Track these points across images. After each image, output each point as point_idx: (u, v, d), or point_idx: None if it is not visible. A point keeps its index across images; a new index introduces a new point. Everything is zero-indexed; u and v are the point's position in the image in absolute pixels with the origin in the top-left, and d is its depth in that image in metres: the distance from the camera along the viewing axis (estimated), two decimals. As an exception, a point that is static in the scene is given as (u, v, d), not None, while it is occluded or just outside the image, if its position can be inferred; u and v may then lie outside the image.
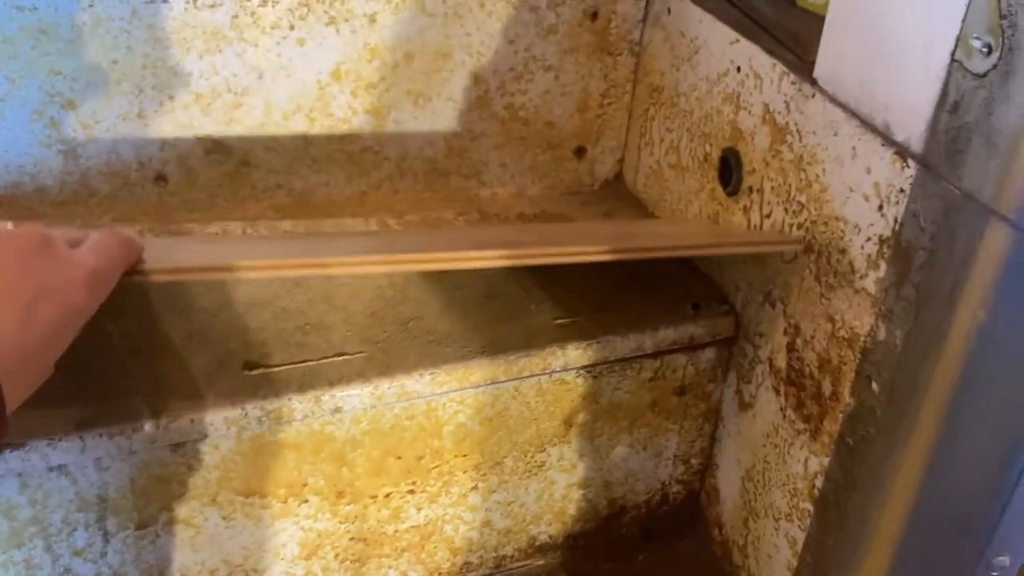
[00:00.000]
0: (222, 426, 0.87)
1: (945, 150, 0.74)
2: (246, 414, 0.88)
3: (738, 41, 1.03)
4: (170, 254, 0.91)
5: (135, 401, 0.86)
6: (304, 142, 1.21)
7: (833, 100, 0.86)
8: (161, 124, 1.14)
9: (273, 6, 1.11)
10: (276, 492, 0.95)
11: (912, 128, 0.77)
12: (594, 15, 1.23)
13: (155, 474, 0.88)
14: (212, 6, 1.09)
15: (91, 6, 1.05)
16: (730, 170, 1.04)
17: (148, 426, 0.84)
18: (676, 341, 1.05)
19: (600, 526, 1.17)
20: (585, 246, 0.90)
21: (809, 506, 0.95)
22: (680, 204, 1.19)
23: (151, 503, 0.89)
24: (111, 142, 1.13)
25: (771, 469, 1.02)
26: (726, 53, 1.05)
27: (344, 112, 1.21)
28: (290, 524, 0.98)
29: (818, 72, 0.89)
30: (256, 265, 0.83)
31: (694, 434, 1.15)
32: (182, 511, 0.91)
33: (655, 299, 1.09)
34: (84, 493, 0.86)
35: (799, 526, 0.97)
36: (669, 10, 1.18)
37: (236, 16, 1.10)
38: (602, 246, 0.90)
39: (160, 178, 1.18)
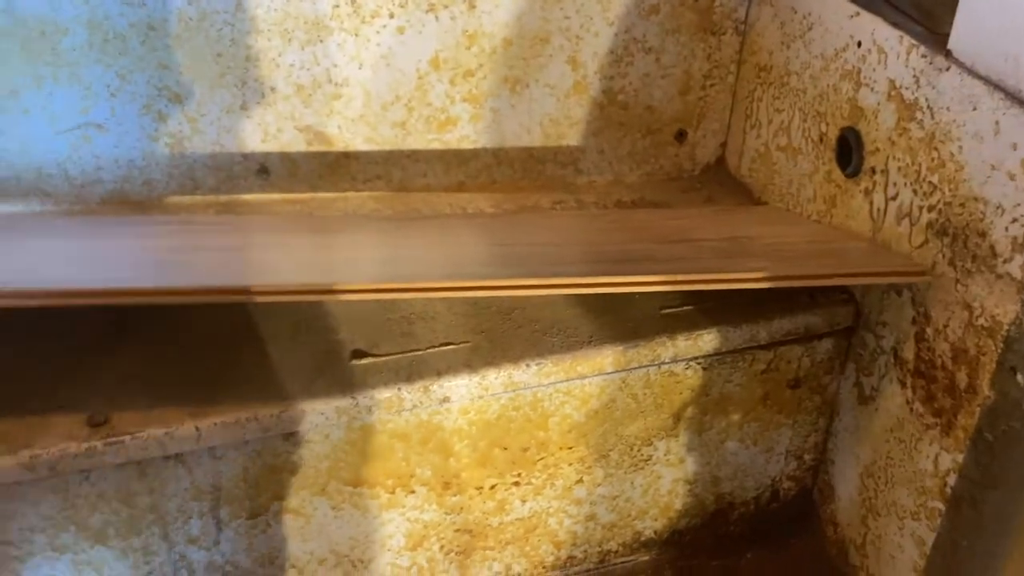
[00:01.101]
0: (333, 415, 0.87)
1: (1105, 122, 0.68)
2: (357, 403, 0.87)
3: (858, 15, 0.97)
4: (274, 270, 0.92)
5: (247, 390, 0.87)
6: (403, 132, 1.20)
7: (972, 72, 0.80)
8: (263, 116, 1.15)
9: (373, -6, 1.10)
10: (384, 482, 0.94)
11: (1065, 99, 0.71)
12: (698, -7, 1.19)
13: (267, 463, 0.88)
14: (313, -4, 1.09)
15: (196, 0, 1.06)
16: (850, 150, 0.99)
17: (262, 415, 0.84)
18: (791, 331, 1.01)
19: (707, 522, 1.13)
20: (738, 272, 0.86)
21: (940, 505, 0.89)
22: (791, 188, 1.14)
23: (263, 492, 0.90)
24: (216, 135, 1.14)
25: (895, 465, 0.96)
26: (844, 28, 0.99)
27: (442, 101, 1.20)
28: (397, 515, 0.97)
29: (953, 43, 0.83)
30: (359, 288, 0.81)
31: (808, 428, 1.10)
32: (293, 500, 0.91)
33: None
34: (199, 482, 0.87)
35: (928, 525, 0.92)
36: (778, -15, 1.13)
37: (337, 6, 1.10)
38: (759, 273, 0.86)
39: (263, 170, 1.18)
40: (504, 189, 1.27)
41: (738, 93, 1.26)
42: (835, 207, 1.04)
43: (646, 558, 1.13)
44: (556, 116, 1.24)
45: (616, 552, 1.11)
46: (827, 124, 1.04)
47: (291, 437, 0.88)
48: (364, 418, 0.89)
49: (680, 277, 0.85)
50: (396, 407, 0.90)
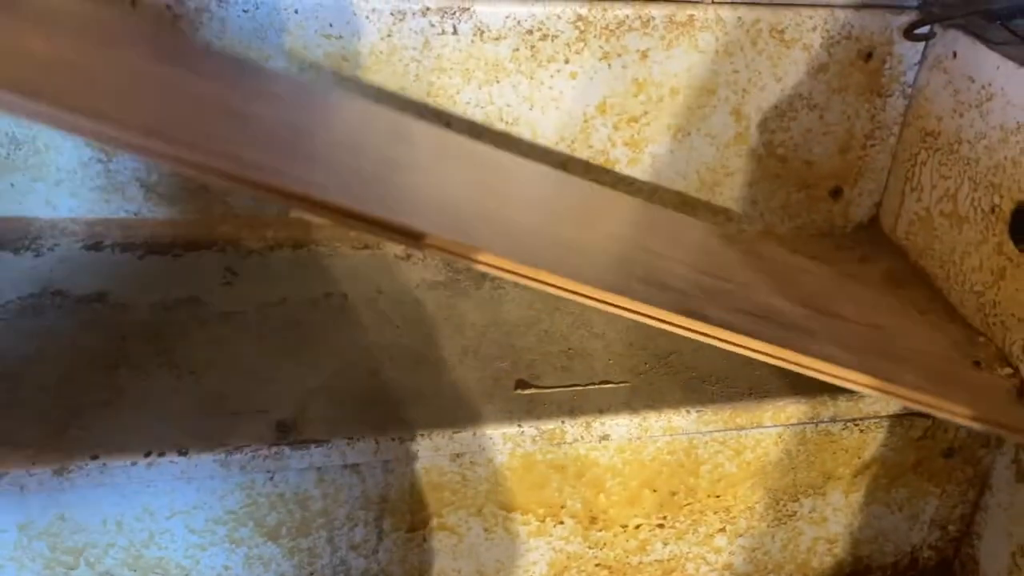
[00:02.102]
0: (500, 441, 0.91)
1: None
2: (522, 432, 0.91)
3: (1045, 89, 0.97)
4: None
5: (421, 411, 0.91)
6: (563, 171, 1.24)
7: None
8: (435, 147, 1.20)
9: (552, 40, 1.15)
10: (536, 511, 0.97)
11: None
12: (868, 55, 1.20)
13: (432, 481, 0.92)
14: (496, 39, 1.14)
15: (389, 36, 1.13)
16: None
17: (435, 435, 0.89)
18: (952, 401, 1.00)
19: (842, 583, 1.13)
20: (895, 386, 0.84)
21: (1106, 595, 0.87)
22: (954, 255, 1.13)
23: (424, 508, 0.94)
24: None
25: (1054, 548, 0.94)
26: (1030, 101, 0.99)
27: (603, 144, 1.23)
28: (543, 543, 1.00)
29: None
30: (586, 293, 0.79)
31: (956, 499, 1.08)
32: (450, 519, 0.95)
33: (930, 353, 1.04)
34: (369, 492, 0.92)
35: (1089, 615, 0.89)
36: (955, 54, 1.13)
37: (517, 49, 1.15)
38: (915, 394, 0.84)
39: (428, 198, 1.24)
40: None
41: (899, 155, 1.26)
42: (1003, 279, 1.03)
43: (776, 613, 1.13)
44: (713, 164, 1.26)
45: (747, 603, 1.12)
46: (1001, 196, 1.03)
47: (458, 458, 0.92)
48: (527, 447, 0.92)
49: (847, 374, 0.84)
50: (557, 439, 0.93)
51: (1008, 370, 1.01)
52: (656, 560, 1.05)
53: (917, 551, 1.12)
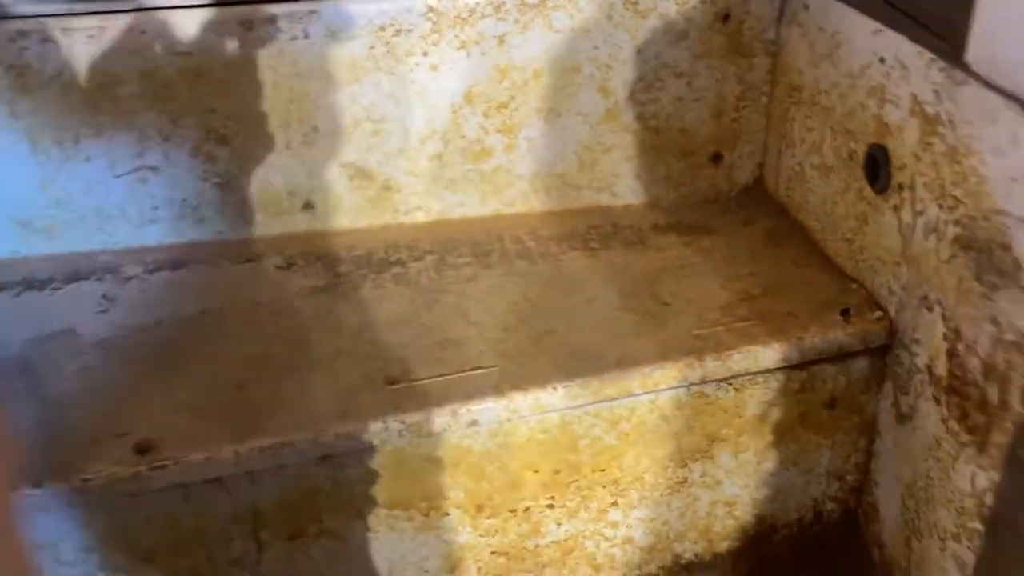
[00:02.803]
0: (366, 439, 0.90)
1: (1121, 130, 0.66)
2: (387, 428, 0.90)
3: (881, 31, 0.97)
4: None
5: (286, 418, 0.91)
6: (440, 164, 1.24)
7: (989, 85, 0.80)
8: (307, 154, 1.20)
9: (406, 35, 1.15)
10: (419, 505, 0.97)
11: (1081, 109, 0.70)
12: (726, 17, 1.20)
13: (304, 487, 0.92)
14: (351, 38, 1.14)
15: (241, 47, 1.12)
16: (877, 167, 0.98)
17: (298, 440, 0.88)
18: (824, 351, 1.00)
19: (748, 545, 1.12)
20: None
21: (979, 525, 0.87)
22: (825, 206, 1.13)
23: (301, 515, 0.93)
24: (263, 174, 1.20)
25: (934, 485, 0.94)
26: (868, 45, 0.99)
27: (476, 133, 1.23)
28: (432, 537, 0.99)
29: (970, 56, 0.83)
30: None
31: (848, 449, 1.08)
32: (330, 523, 0.95)
33: (799, 306, 1.04)
34: (239, 504, 0.91)
35: (968, 547, 0.89)
36: (806, 5, 1.14)
37: (372, 47, 1.15)
38: None
39: (308, 205, 1.24)
40: (540, 216, 1.29)
41: (772, 113, 1.27)
42: (866, 224, 1.04)
43: (688, 582, 1.13)
44: (590, 143, 1.26)
45: (657, 575, 1.11)
46: (856, 141, 1.04)
47: (325, 461, 0.91)
48: (395, 441, 0.92)
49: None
50: (426, 430, 0.92)
51: (878, 313, 1.01)
52: (553, 541, 1.04)
53: (819, 504, 1.12)
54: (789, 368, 1.00)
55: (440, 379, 0.96)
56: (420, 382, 0.96)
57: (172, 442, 0.88)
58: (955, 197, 0.85)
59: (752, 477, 1.07)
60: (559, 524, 1.03)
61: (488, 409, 0.93)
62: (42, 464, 0.86)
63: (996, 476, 0.83)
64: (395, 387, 0.95)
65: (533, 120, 1.23)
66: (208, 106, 1.15)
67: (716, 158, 1.30)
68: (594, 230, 1.26)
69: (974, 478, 0.87)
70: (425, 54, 1.17)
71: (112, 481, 0.85)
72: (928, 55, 0.88)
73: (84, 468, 0.85)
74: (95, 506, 0.87)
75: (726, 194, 1.32)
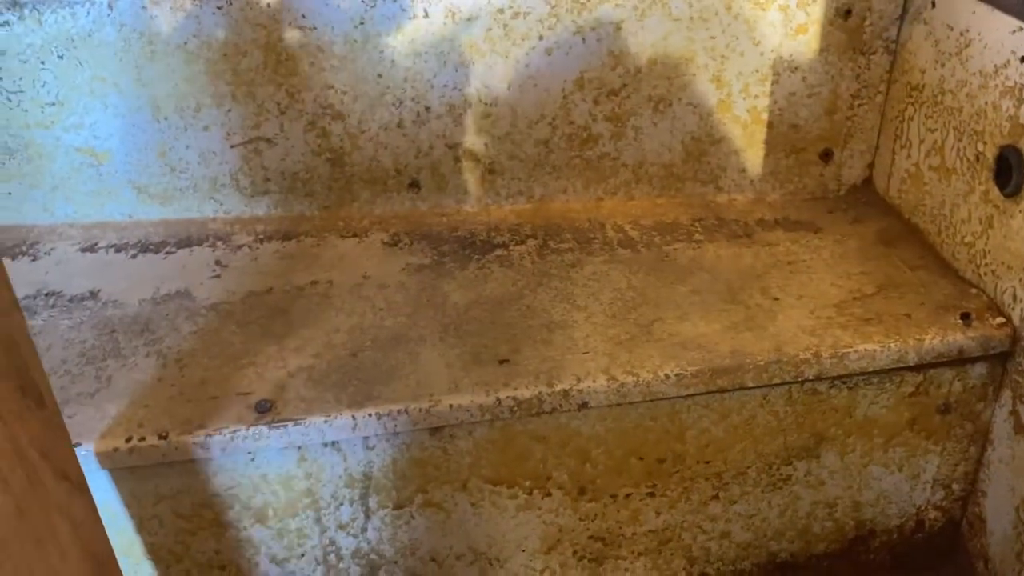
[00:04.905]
0: (477, 412, 0.91)
1: None
2: (499, 404, 0.91)
3: (1021, 30, 0.94)
4: None
5: (399, 388, 0.92)
6: (546, 149, 1.24)
7: None
8: (417, 133, 1.21)
9: (524, 18, 1.15)
10: (522, 483, 0.97)
11: None
12: (847, 13, 1.18)
13: (414, 456, 0.93)
14: (470, 19, 1.15)
15: (362, 23, 1.14)
16: (1009, 169, 0.96)
17: (412, 409, 0.89)
18: (943, 354, 0.97)
19: (846, 548, 1.10)
20: None
21: (1107, 542, 0.84)
22: (943, 209, 1.10)
23: (409, 484, 0.94)
24: (373, 151, 1.22)
25: (1056, 499, 0.92)
26: (1006, 43, 0.96)
27: (584, 119, 1.23)
28: (533, 517, 0.99)
29: None
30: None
31: (958, 457, 1.05)
32: (436, 494, 0.95)
33: (915, 308, 1.02)
34: (352, 470, 0.92)
35: (1092, 564, 0.87)
36: (933, 3, 1.11)
37: (490, 29, 1.15)
38: None
39: (414, 184, 1.25)
40: (642, 205, 1.28)
41: (887, 113, 1.24)
42: (991, 228, 1.01)
43: (780, 582, 1.11)
44: (698, 134, 1.25)
45: (750, 572, 1.10)
46: (984, 143, 1.01)
47: (437, 432, 0.92)
48: (506, 417, 0.92)
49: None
50: (535, 409, 0.92)
51: (1000, 319, 0.99)
52: (650, 530, 1.04)
53: (922, 513, 1.10)
54: (905, 370, 0.98)
55: (550, 360, 0.96)
56: (530, 361, 0.96)
57: (291, 403, 0.90)
58: (1101, 201, 0.83)
59: (856, 479, 1.05)
60: (658, 513, 1.03)
61: (599, 392, 0.93)
62: (165, 419, 0.88)
63: None
64: (505, 364, 0.96)
65: (643, 108, 1.23)
66: (326, 82, 1.17)
67: (826, 156, 1.28)
68: (698, 223, 1.25)
69: (1104, 492, 0.84)
70: (541, 38, 1.17)
71: (233, 438, 0.87)
72: (1078, 54, 0.85)
73: (206, 423, 0.87)
74: (212, 463, 0.89)
75: (834, 193, 1.30)
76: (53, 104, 1.16)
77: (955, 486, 1.08)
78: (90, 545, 0.55)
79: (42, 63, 1.13)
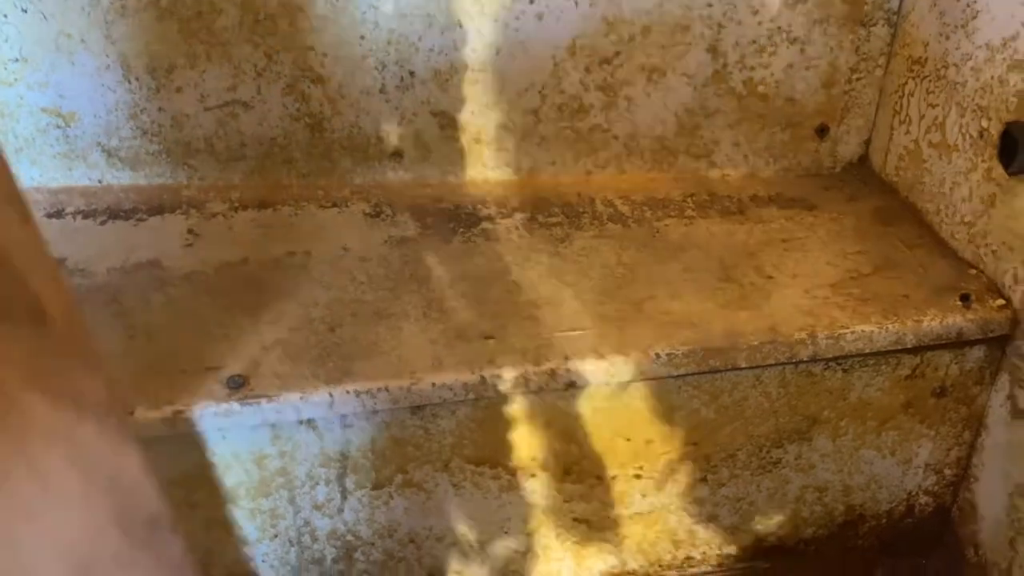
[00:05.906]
0: (461, 391, 0.87)
1: None
2: (484, 382, 0.87)
3: (1031, 0, 0.91)
4: None
5: (379, 364, 0.88)
6: (535, 119, 1.20)
7: None
8: (400, 99, 1.16)
9: (515, -21, 1.10)
10: (506, 464, 0.94)
11: None
12: (849, -19, 1.14)
13: (394, 435, 0.89)
14: (456, -20, 1.10)
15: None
16: (1015, 146, 0.92)
17: (392, 387, 0.85)
18: (941, 336, 0.95)
19: (835, 533, 1.08)
20: None
21: (1105, 532, 0.82)
22: (943, 187, 1.07)
23: (388, 464, 0.91)
24: (354, 117, 1.17)
25: (1052, 486, 0.90)
26: (1016, 15, 0.93)
27: (576, 88, 1.19)
28: (516, 498, 0.96)
29: None
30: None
31: (951, 441, 1.03)
32: (416, 475, 0.92)
33: (913, 288, 0.99)
34: (328, 449, 0.88)
35: (1089, 554, 0.85)
36: (939, -27, 1.07)
37: (478, -10, 1.11)
38: None
39: (397, 153, 1.20)
40: (633, 180, 1.25)
41: (886, 88, 1.20)
42: (993, 207, 0.98)
43: (767, 565, 1.09)
44: (692, 106, 1.21)
45: (736, 556, 1.08)
46: (989, 119, 0.98)
47: (418, 411, 0.88)
48: (490, 396, 0.89)
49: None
50: (521, 388, 0.89)
51: (1000, 301, 0.96)
52: (636, 513, 1.01)
53: (913, 498, 1.08)
54: (902, 352, 0.96)
55: (537, 337, 0.93)
56: (516, 339, 0.92)
57: (265, 379, 0.85)
58: (1113, 180, 0.80)
59: (847, 464, 1.03)
60: (644, 495, 1.00)
61: (587, 371, 0.89)
62: (132, 393, 0.84)
63: None
64: (490, 341, 0.92)
65: (636, 78, 1.18)
66: (306, 43, 1.12)
67: (822, 131, 1.24)
68: (690, 198, 1.21)
69: (1104, 480, 0.82)
70: (532, 2, 1.12)
71: (203, 415, 0.82)
72: (1093, 26, 0.81)
73: (175, 399, 0.83)
74: (181, 441, 0.85)
75: (829, 169, 1.27)
76: (16, 60, 1.10)
77: (947, 471, 1.06)
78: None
79: (4, 16, 1.07)
